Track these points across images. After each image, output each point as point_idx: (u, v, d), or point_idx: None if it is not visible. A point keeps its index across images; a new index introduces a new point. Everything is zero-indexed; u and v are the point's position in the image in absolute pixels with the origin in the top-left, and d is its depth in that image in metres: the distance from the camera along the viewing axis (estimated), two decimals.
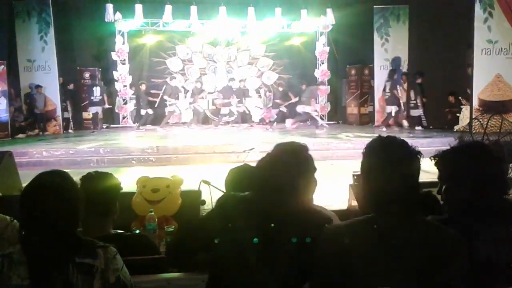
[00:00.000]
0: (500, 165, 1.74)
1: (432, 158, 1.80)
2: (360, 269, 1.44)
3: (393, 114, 13.10)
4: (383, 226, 1.47)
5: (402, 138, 1.56)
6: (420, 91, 12.82)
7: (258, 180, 1.74)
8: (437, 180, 1.83)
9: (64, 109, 13.47)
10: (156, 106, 14.05)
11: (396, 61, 13.88)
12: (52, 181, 1.59)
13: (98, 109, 14.37)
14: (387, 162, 1.48)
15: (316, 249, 1.56)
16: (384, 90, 13.40)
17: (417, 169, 1.52)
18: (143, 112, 14.18)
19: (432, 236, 1.48)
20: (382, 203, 1.49)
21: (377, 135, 1.62)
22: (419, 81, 12.74)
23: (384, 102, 13.53)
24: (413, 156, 1.51)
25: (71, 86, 13.79)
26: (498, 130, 3.36)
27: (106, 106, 14.81)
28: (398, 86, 12.91)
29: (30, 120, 12.93)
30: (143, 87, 14.15)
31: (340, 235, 1.51)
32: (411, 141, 1.56)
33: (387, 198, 1.47)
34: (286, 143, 1.77)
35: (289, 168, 1.67)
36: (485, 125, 3.30)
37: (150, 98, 14.15)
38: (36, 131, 12.80)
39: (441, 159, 1.78)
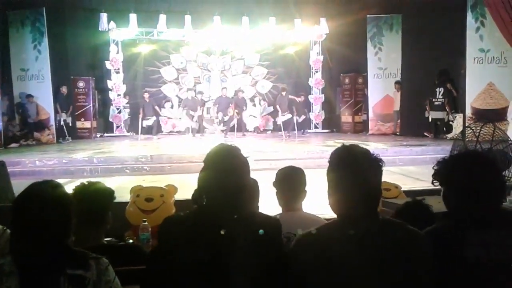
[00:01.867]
0: (496, 174, 1.75)
1: (435, 165, 1.83)
2: (331, 272, 1.49)
3: None
4: (348, 229, 1.53)
5: (363, 147, 1.62)
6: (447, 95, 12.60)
7: (204, 189, 1.71)
8: (429, 188, 1.86)
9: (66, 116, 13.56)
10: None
11: None
12: (44, 191, 1.57)
13: None
14: (349, 171, 1.54)
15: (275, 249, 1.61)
16: None
17: (379, 176, 1.59)
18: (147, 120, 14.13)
19: (395, 235, 1.53)
20: (345, 209, 1.55)
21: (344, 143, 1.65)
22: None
23: None
24: (375, 164, 1.57)
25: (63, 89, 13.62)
26: (490, 138, 3.37)
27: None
28: None
29: (26, 130, 12.86)
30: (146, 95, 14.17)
31: (312, 241, 1.56)
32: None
33: (349, 204, 1.54)
34: (218, 147, 1.76)
35: (232, 169, 1.67)
36: (477, 133, 3.32)
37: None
38: (30, 140, 12.71)
39: (440, 166, 1.80)
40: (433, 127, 12.86)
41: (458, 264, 1.63)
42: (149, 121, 14.04)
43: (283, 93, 14.46)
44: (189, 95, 14.60)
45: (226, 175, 1.65)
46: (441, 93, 12.58)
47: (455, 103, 12.51)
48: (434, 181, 1.81)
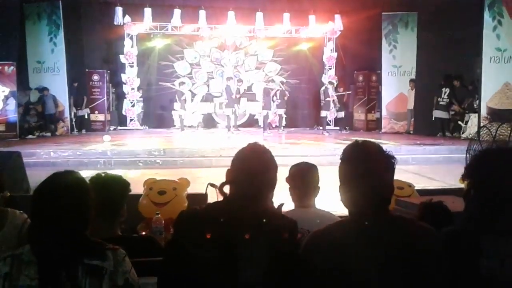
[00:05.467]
0: None
1: (466, 165, 1.78)
2: (343, 269, 1.48)
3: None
4: (360, 226, 1.51)
5: (377, 143, 1.60)
6: (453, 95, 12.61)
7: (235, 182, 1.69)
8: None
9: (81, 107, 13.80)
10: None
11: None
12: (66, 181, 1.59)
13: None
14: (362, 167, 1.52)
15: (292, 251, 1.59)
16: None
17: (391, 173, 1.57)
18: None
19: (407, 232, 1.52)
20: (357, 205, 1.54)
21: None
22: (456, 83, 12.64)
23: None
24: (388, 161, 1.56)
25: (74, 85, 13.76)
26: (507, 139, 3.33)
27: None
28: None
29: (41, 122, 13.01)
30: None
31: (324, 239, 1.55)
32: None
33: (361, 201, 1.52)
34: (250, 145, 1.75)
35: (261, 169, 1.66)
36: (494, 134, 3.28)
37: None
38: (45, 132, 12.87)
39: (472, 163, 1.75)
40: (446, 126, 12.79)
41: (470, 274, 1.57)
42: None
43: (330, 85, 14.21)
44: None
45: (255, 175, 1.63)
46: (447, 93, 12.51)
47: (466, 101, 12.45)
48: (463, 178, 1.74)
